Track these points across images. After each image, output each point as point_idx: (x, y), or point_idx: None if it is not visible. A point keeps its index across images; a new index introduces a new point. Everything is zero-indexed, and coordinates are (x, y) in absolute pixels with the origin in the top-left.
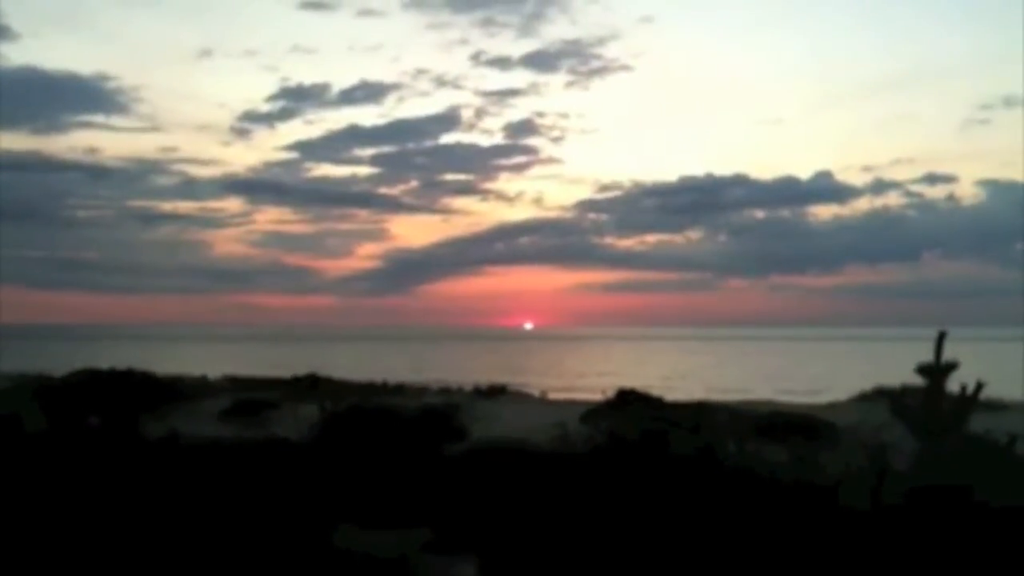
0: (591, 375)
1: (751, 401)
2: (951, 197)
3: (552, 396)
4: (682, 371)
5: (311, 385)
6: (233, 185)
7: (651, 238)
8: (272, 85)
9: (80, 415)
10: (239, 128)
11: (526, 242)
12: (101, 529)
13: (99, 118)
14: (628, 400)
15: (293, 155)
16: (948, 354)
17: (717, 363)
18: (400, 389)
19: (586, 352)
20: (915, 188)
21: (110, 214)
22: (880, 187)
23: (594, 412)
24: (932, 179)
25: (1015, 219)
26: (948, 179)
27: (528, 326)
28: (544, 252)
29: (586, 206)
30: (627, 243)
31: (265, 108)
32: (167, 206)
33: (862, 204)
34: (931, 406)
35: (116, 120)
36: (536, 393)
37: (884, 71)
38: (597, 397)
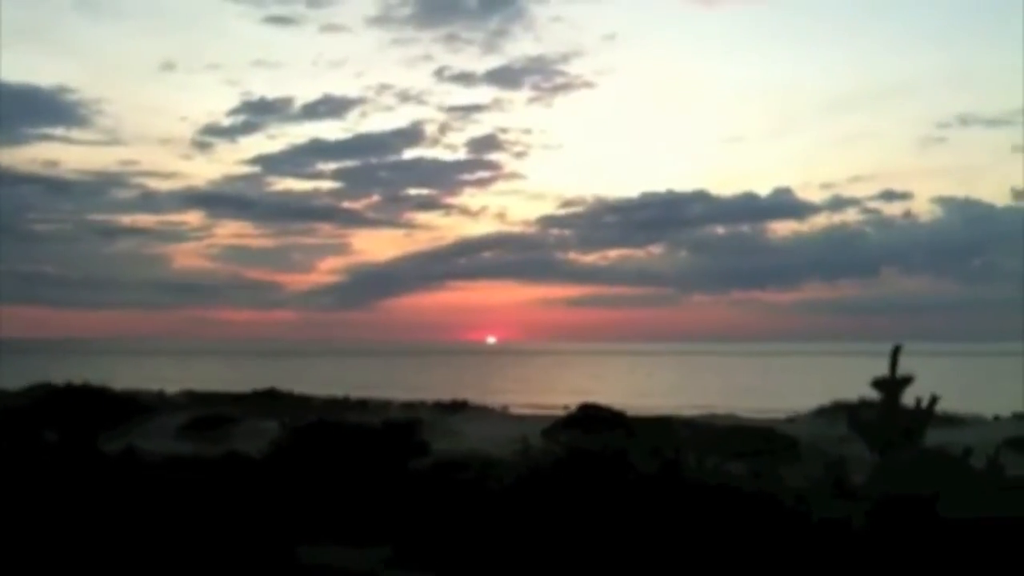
0: (553, 390)
1: (712, 415)
2: (908, 214)
3: (514, 411)
4: (644, 386)
5: (271, 400)
6: (194, 199)
7: (613, 253)
8: (234, 99)
9: (37, 431)
10: (201, 142)
11: (489, 257)
12: (58, 547)
13: (59, 131)
14: (590, 415)
15: (255, 169)
16: (905, 368)
17: (679, 378)
18: (362, 404)
19: (549, 367)
20: (873, 205)
21: (69, 228)
22: (838, 204)
23: (556, 427)
24: (889, 196)
25: (970, 235)
26: (905, 196)
27: (491, 340)
28: (507, 267)
29: (549, 221)
30: (590, 258)
31: (227, 122)
32: (127, 219)
33: (821, 220)
34: (887, 420)
35: (76, 133)
36: (498, 408)
37: (843, 90)
38: (559, 412)
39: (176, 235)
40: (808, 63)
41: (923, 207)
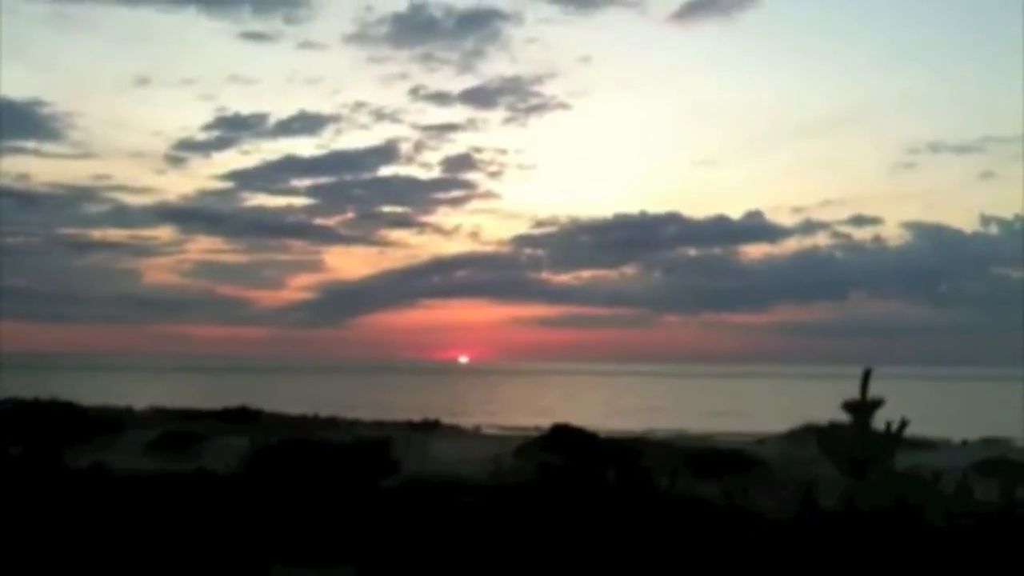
0: (525, 410)
1: (684, 436)
2: (877, 238)
3: (486, 431)
4: (616, 406)
5: (241, 417)
6: (166, 214)
7: (586, 274)
8: (209, 114)
9: (2, 446)
10: (174, 156)
11: (462, 275)
12: (21, 566)
13: (31, 144)
14: (562, 435)
15: (228, 184)
16: (875, 392)
17: (651, 398)
18: (332, 422)
19: (521, 386)
20: (843, 229)
21: (39, 241)
22: (809, 227)
23: (528, 447)
24: (859, 220)
25: (939, 261)
26: (875, 221)
27: (463, 359)
28: (480, 286)
29: (523, 241)
30: (563, 278)
31: (201, 137)
32: (98, 234)
33: (792, 244)
34: (857, 442)
35: (49, 146)
36: (470, 427)
37: (814, 115)
38: (531, 432)
39: (148, 250)
40: (780, 87)
41: (892, 232)
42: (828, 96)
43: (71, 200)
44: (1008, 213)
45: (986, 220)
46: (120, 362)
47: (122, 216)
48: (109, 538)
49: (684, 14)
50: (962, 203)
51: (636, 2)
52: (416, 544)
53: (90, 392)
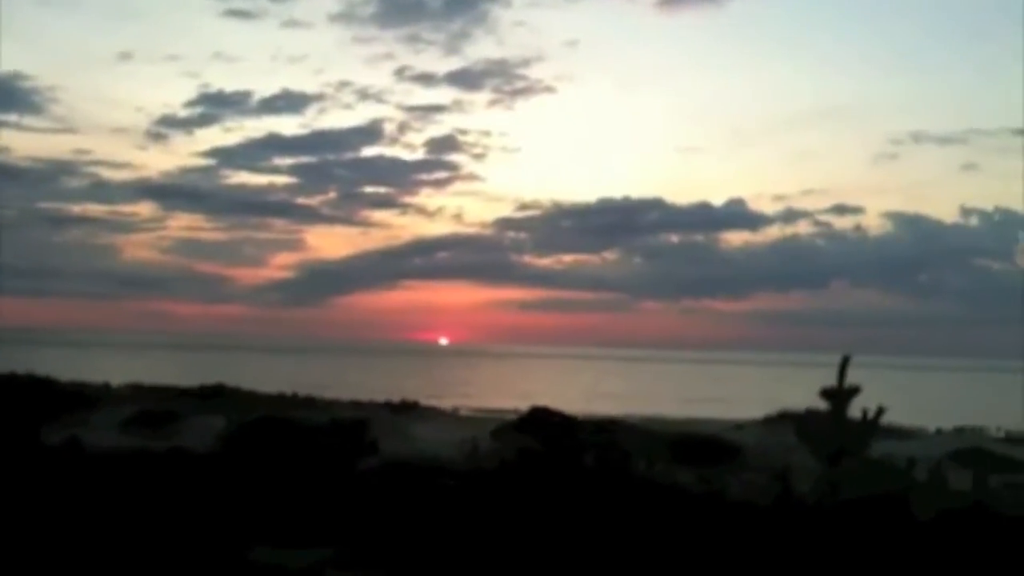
0: (504, 393)
1: (662, 421)
2: (858, 228)
3: (464, 413)
4: (594, 390)
5: (218, 395)
6: (147, 190)
7: (568, 258)
8: (192, 91)
9: None
10: (155, 132)
11: (444, 257)
12: None
13: (12, 118)
14: (540, 418)
15: (210, 162)
16: (853, 380)
17: (629, 383)
18: (310, 402)
19: (500, 369)
20: (824, 218)
21: (18, 215)
22: (791, 216)
23: (505, 429)
24: (841, 210)
25: (919, 251)
26: (856, 210)
27: (443, 341)
28: (462, 268)
29: (505, 224)
30: (545, 262)
31: (183, 114)
32: (77, 208)
33: (773, 232)
34: (834, 430)
35: (29, 120)
36: (448, 409)
37: (798, 104)
38: (509, 415)
39: (127, 226)
40: (765, 76)
41: (873, 222)
42: (812, 86)
43: (51, 174)
44: (988, 205)
45: (967, 212)
46: (98, 338)
47: (102, 191)
48: (84, 517)
49: (671, 2)
50: (943, 194)
51: None
52: (394, 526)
53: (67, 368)
